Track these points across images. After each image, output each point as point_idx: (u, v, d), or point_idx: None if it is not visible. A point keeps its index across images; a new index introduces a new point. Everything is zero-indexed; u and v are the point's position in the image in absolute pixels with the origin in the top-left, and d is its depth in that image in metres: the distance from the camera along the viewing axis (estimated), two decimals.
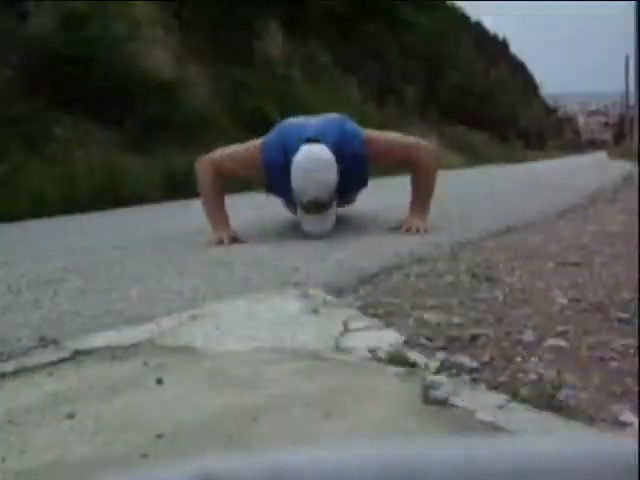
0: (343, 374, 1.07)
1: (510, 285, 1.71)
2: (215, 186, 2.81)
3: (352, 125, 2.86)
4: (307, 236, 2.67)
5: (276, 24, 12.28)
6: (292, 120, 2.91)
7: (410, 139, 2.94)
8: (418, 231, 2.70)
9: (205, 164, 2.81)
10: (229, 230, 2.74)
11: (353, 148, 2.72)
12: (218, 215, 2.78)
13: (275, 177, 2.73)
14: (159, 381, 1.06)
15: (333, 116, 2.91)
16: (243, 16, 10.31)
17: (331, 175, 2.57)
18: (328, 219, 2.68)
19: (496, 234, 2.69)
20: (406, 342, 1.24)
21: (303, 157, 2.56)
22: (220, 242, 2.63)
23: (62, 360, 1.21)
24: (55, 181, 5.28)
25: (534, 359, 1.13)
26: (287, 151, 2.64)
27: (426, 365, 1.10)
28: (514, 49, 44.92)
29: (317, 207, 2.60)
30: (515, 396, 0.96)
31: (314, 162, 2.55)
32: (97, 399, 1.01)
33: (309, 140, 2.62)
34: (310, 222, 2.67)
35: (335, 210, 2.71)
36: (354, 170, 2.74)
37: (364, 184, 2.99)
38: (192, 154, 6.70)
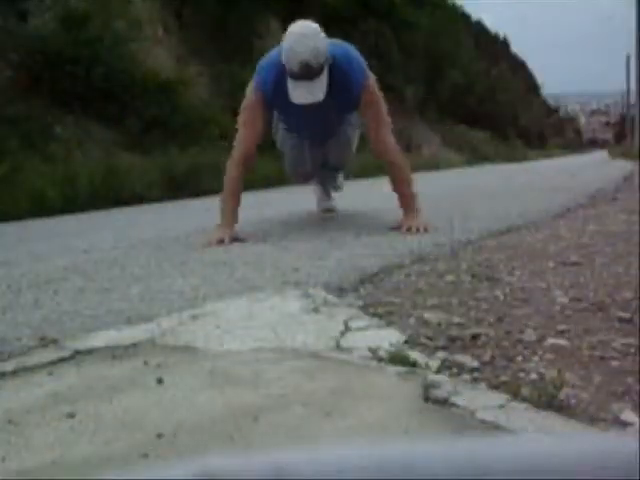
0: (344, 373, 1.07)
1: (510, 284, 1.71)
2: (236, 188, 2.84)
3: (358, 55, 2.85)
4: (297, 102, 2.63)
5: (276, 22, 12.28)
6: None
7: (388, 122, 2.93)
8: (419, 230, 2.70)
9: (231, 166, 2.86)
10: (232, 231, 2.74)
11: (352, 69, 2.74)
12: (229, 214, 2.80)
13: (270, 87, 2.76)
14: (159, 381, 1.06)
15: (338, 40, 2.90)
16: (243, 15, 10.31)
17: (321, 43, 2.62)
18: (318, 87, 2.64)
19: (496, 234, 2.69)
20: (407, 341, 1.24)
21: (294, 26, 2.68)
22: (220, 241, 2.64)
23: (62, 360, 1.21)
24: (55, 181, 5.27)
25: (535, 358, 1.13)
26: (282, 66, 2.65)
27: (427, 364, 1.10)
28: (515, 48, 44.95)
29: (307, 71, 2.59)
30: (516, 395, 0.95)
31: (305, 28, 2.65)
32: (97, 399, 1.01)
33: None
34: (300, 90, 2.64)
35: (326, 80, 2.65)
36: (345, 89, 2.73)
37: (353, 114, 3.00)
38: (192, 154, 6.75)
